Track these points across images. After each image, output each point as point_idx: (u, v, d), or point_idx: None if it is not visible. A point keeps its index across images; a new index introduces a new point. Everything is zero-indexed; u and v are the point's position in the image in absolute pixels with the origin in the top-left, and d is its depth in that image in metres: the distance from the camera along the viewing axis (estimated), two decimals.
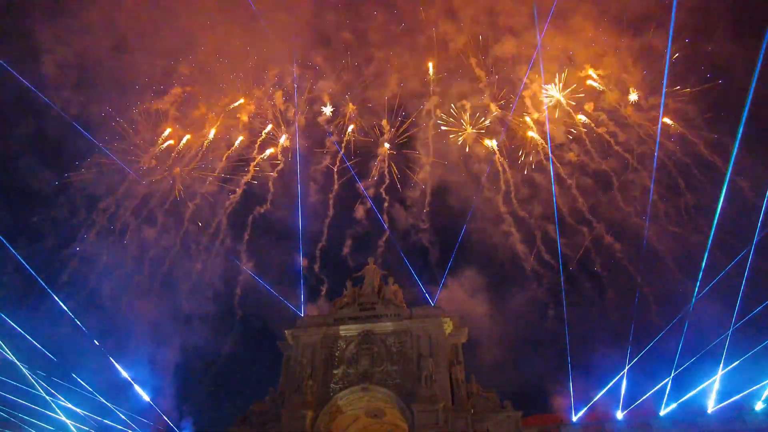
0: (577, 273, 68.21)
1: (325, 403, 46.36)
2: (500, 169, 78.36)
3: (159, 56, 78.90)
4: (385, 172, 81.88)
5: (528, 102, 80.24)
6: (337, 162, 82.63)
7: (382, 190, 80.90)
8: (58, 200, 75.57)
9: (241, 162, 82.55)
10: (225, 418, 50.13)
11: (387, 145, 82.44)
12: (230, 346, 63.61)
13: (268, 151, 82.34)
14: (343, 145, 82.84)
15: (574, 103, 76.43)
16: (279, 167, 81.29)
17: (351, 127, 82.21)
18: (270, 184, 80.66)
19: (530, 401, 49.39)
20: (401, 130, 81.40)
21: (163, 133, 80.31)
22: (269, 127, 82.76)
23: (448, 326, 49.66)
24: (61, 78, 74.13)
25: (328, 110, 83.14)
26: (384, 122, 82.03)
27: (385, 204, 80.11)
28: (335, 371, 48.17)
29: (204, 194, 79.24)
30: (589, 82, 76.68)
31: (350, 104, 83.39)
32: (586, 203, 73.65)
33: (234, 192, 79.93)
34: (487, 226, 75.77)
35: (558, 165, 75.54)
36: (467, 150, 79.84)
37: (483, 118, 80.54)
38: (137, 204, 77.82)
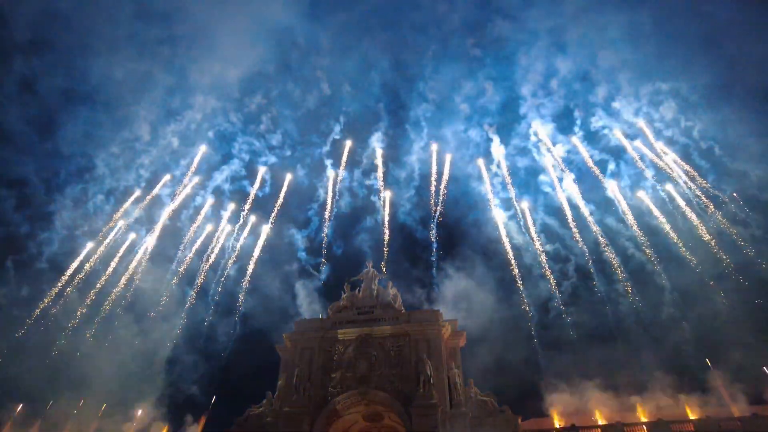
0: (577, 275, 67.82)
1: (323, 406, 46.17)
2: (498, 159, 77.65)
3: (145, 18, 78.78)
4: (379, 162, 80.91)
5: (524, 90, 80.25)
6: (331, 142, 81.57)
7: (378, 184, 79.89)
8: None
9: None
10: (222, 421, 49.85)
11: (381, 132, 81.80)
12: (228, 349, 63.21)
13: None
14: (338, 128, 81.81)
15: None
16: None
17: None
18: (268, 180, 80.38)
19: (528, 405, 49.47)
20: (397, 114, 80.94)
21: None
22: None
23: (447, 330, 49.52)
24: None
25: (326, 88, 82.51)
26: (380, 106, 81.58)
27: (382, 195, 78.93)
28: (333, 375, 47.97)
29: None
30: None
31: (346, 85, 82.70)
32: (583, 198, 73.23)
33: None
34: (487, 225, 74.93)
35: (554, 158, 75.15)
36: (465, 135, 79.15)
37: (479, 100, 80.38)
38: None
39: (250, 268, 73.81)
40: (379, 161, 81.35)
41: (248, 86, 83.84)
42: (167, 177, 78.94)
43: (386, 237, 73.80)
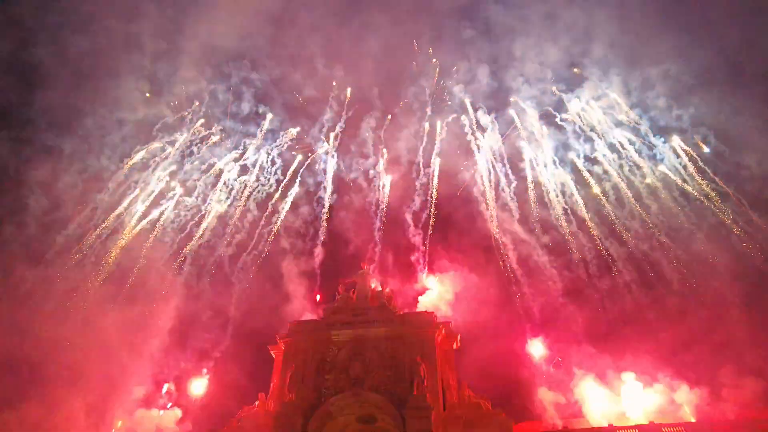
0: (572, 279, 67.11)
1: (316, 408, 45.94)
2: (491, 146, 76.13)
3: None
4: (372, 152, 79.19)
5: (518, 79, 79.11)
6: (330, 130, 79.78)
7: (372, 172, 78.39)
8: None
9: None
10: (216, 422, 49.57)
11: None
12: (221, 349, 62.58)
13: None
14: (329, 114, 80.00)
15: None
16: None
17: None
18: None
19: (522, 408, 49.53)
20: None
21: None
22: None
23: (441, 332, 49.51)
24: None
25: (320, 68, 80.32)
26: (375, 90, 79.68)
27: (380, 183, 77.05)
28: (327, 376, 47.83)
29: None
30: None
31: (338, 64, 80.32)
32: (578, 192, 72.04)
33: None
34: (483, 219, 73.40)
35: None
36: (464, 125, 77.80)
37: (471, 86, 78.88)
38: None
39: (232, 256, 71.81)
40: (370, 149, 79.70)
41: (238, 62, 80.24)
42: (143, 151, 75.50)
43: (382, 230, 72.64)
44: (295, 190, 78.18)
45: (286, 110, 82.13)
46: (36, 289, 63.22)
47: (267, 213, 75.79)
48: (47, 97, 71.37)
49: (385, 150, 79.66)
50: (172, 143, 77.99)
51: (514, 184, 74.24)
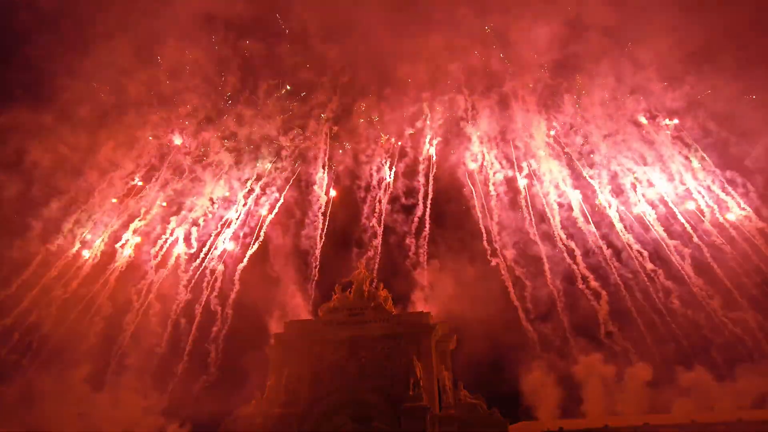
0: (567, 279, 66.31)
1: (312, 408, 46.07)
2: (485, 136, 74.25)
3: None
4: (366, 139, 76.96)
5: (514, 65, 76.88)
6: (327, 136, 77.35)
7: (374, 180, 76.40)
8: None
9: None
10: (212, 421, 49.56)
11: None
12: (216, 348, 62.32)
13: None
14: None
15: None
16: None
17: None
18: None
19: (517, 408, 49.51)
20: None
21: None
22: None
23: (437, 332, 49.40)
24: None
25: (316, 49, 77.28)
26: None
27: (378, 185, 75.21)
28: (323, 376, 47.88)
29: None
30: None
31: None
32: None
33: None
34: (478, 214, 72.06)
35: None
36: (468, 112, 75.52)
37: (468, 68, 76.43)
38: None
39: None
40: (365, 137, 77.20)
41: (229, 37, 76.17)
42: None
43: (380, 227, 71.39)
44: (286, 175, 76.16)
45: (281, 93, 79.40)
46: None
47: (258, 195, 74.05)
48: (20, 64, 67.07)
49: (381, 137, 77.90)
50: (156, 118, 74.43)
51: (509, 174, 73.02)
